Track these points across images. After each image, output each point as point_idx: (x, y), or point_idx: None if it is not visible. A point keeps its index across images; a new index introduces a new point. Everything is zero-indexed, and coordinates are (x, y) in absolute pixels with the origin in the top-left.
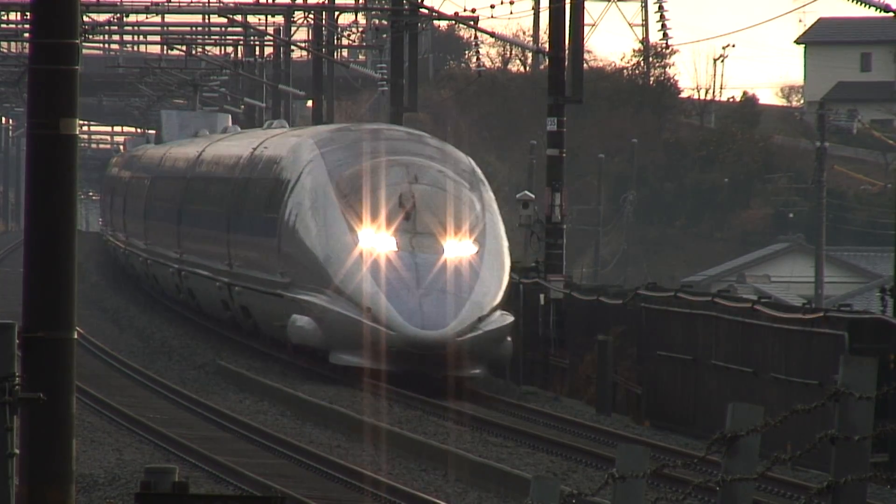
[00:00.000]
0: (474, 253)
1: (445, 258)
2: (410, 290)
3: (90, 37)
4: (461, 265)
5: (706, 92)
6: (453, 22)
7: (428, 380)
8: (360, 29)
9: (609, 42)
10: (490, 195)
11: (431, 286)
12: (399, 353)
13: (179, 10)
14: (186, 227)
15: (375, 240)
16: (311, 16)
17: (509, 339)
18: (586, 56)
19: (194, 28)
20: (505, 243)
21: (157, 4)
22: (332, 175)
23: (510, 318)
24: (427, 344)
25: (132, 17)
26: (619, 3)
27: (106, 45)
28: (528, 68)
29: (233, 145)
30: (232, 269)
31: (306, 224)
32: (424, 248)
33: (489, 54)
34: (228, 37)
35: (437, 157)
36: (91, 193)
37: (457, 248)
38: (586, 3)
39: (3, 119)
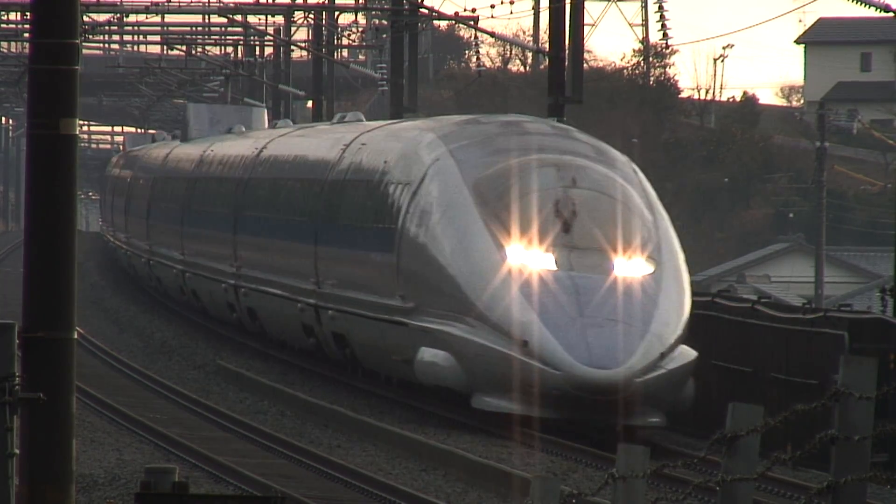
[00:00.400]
0: (649, 273)
1: (615, 279)
2: (573, 320)
3: (90, 37)
4: (635, 288)
5: (706, 92)
6: (453, 22)
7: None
8: (360, 29)
9: (609, 42)
10: (659, 202)
11: (598, 314)
12: (561, 398)
13: (179, 10)
14: (246, 238)
15: (527, 256)
16: (311, 16)
17: (692, 379)
18: (586, 56)
19: (194, 28)
20: (683, 260)
21: (157, 4)
22: (466, 177)
23: (693, 355)
24: (598, 386)
25: (132, 17)
26: (619, 3)
27: (106, 45)
28: (528, 68)
29: (307, 142)
30: (320, 288)
31: (436, 237)
32: (588, 268)
33: (489, 54)
34: (228, 37)
35: (592, 156)
36: (91, 193)
37: (628, 268)
38: (586, 3)
39: (3, 119)
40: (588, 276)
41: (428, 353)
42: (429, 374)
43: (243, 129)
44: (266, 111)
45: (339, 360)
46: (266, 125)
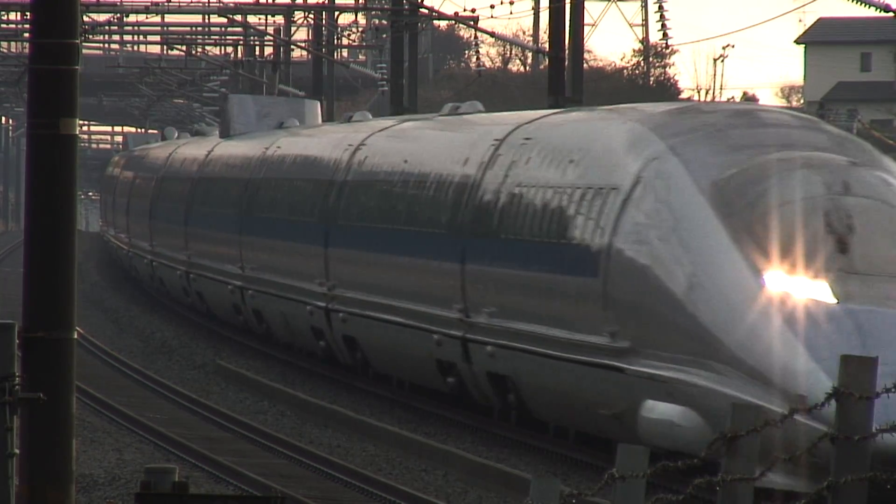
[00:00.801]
0: None
1: None
2: None
3: (90, 37)
4: None
5: (706, 92)
6: (453, 22)
7: None
8: (360, 29)
9: (609, 42)
10: None
11: (894, 361)
12: None
13: (179, 10)
14: (342, 252)
15: (792, 284)
16: (311, 16)
17: None
18: (586, 56)
19: (194, 28)
20: None
21: (157, 4)
22: (700, 181)
23: None
24: None
25: (132, 17)
26: (619, 3)
27: (106, 45)
28: (528, 68)
29: (427, 139)
30: (469, 317)
31: (663, 258)
32: (874, 299)
33: (489, 54)
34: (228, 37)
35: (858, 155)
36: (91, 193)
37: None
38: (586, 3)
39: (3, 119)
40: (875, 311)
41: (658, 409)
42: (660, 435)
43: (297, 122)
44: (318, 103)
45: (493, 405)
46: (319, 119)
